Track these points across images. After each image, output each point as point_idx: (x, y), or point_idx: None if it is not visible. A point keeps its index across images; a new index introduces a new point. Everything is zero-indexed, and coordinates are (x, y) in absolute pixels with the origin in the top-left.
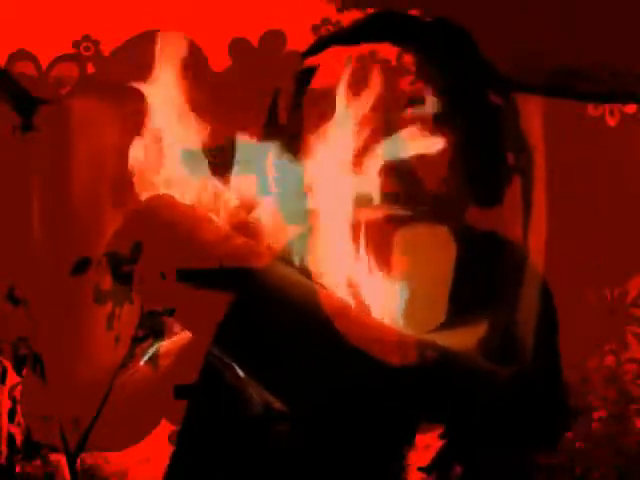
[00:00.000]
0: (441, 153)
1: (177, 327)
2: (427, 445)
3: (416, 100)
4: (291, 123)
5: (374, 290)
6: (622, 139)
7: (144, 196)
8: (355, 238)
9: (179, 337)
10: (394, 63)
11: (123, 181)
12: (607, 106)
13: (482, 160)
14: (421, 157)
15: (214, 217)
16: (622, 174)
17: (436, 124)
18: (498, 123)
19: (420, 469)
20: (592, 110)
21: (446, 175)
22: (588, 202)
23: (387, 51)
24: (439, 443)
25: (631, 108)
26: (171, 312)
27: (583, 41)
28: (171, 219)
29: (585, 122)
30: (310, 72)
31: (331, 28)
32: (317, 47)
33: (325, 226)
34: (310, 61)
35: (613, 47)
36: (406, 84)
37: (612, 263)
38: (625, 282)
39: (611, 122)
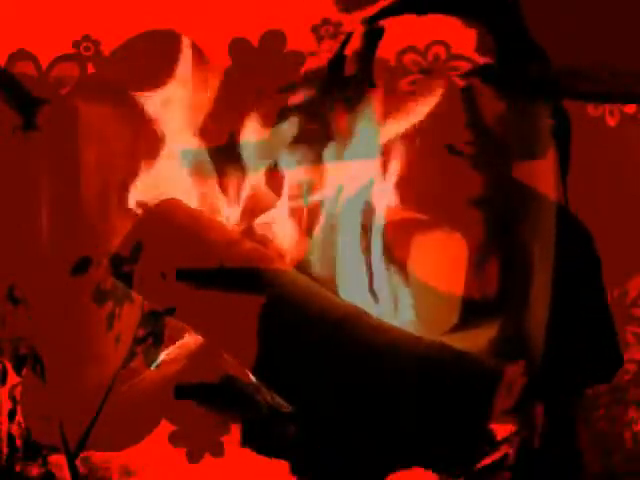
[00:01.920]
0: (497, 113)
1: (186, 332)
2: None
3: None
4: (357, 78)
5: (387, 292)
6: (622, 139)
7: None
8: (370, 240)
9: (187, 341)
10: (394, 63)
11: (129, 182)
12: (607, 106)
13: (527, 120)
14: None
15: (223, 221)
16: (622, 174)
17: (493, 89)
18: (539, 90)
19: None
20: (592, 110)
21: (497, 129)
22: (588, 202)
23: (386, 51)
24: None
25: (631, 108)
26: (171, 312)
27: (583, 41)
28: (180, 223)
29: (585, 122)
30: (378, 34)
31: (331, 28)
32: (388, 11)
33: (340, 228)
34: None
35: (613, 47)
36: (406, 84)
37: (612, 263)
38: (625, 282)
39: (611, 122)
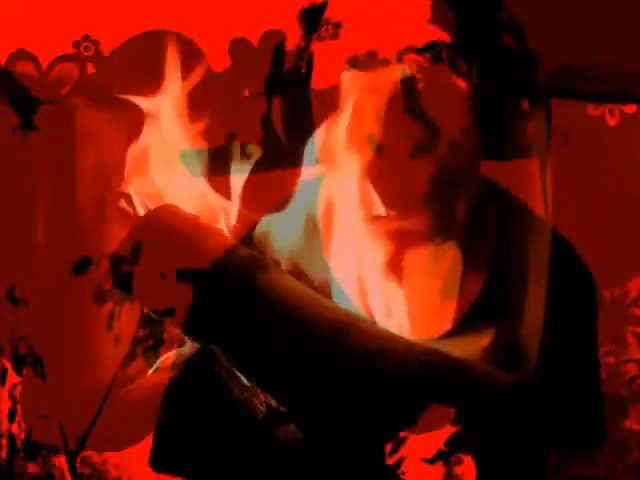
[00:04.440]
0: (458, 101)
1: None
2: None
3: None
4: (297, 74)
5: (382, 298)
6: (622, 139)
7: (149, 203)
8: (365, 247)
9: (188, 346)
10: (394, 63)
11: (127, 184)
12: (607, 106)
13: (496, 106)
14: (438, 105)
15: (219, 227)
16: (622, 174)
17: (453, 71)
18: (512, 68)
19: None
20: (592, 110)
21: (462, 123)
22: (588, 202)
23: (387, 51)
24: (447, 433)
25: (631, 108)
26: (171, 312)
27: (583, 41)
28: (177, 230)
29: (585, 122)
30: (319, 10)
31: (331, 28)
32: None
33: (336, 233)
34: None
35: (613, 47)
36: None
37: (612, 263)
38: (625, 282)
39: (611, 122)
